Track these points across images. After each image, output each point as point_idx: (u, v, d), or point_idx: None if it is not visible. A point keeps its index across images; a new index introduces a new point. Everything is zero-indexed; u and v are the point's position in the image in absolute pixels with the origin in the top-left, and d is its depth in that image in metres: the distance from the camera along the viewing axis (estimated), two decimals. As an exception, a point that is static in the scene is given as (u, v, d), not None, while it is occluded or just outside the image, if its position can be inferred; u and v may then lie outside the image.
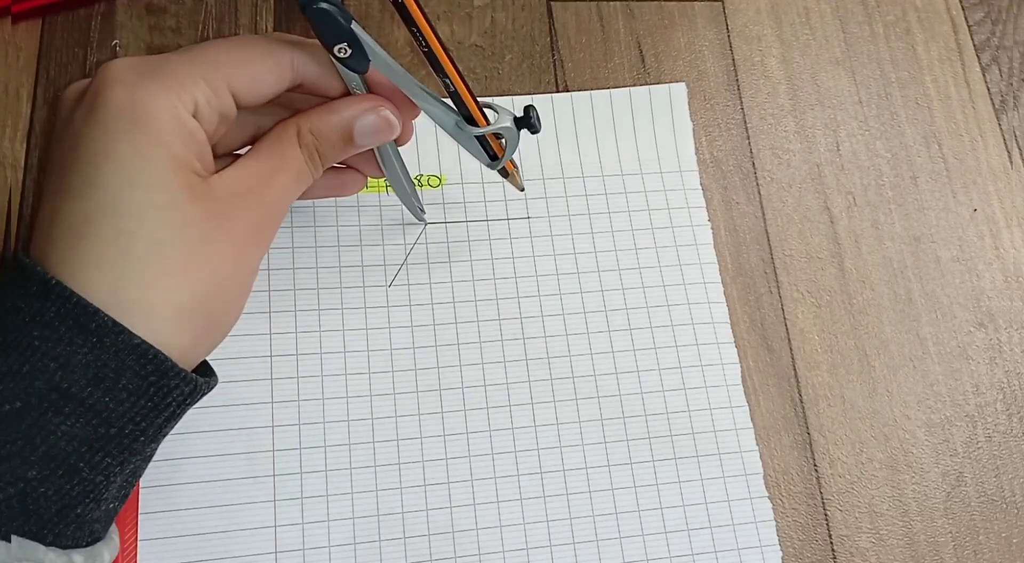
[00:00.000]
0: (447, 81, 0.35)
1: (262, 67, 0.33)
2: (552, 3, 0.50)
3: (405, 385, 0.41)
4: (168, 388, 0.31)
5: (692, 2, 0.52)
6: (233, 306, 0.34)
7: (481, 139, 0.38)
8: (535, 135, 0.40)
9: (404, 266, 0.43)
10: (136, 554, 0.36)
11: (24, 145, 0.44)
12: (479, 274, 0.43)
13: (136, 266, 0.30)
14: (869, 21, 0.53)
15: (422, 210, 0.43)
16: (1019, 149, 0.50)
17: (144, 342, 0.29)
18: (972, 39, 0.53)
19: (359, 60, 0.33)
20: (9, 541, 0.27)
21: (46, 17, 0.46)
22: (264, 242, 0.34)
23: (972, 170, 0.50)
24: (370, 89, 0.35)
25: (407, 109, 0.36)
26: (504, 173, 0.41)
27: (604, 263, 0.44)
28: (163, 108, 0.31)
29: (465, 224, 0.44)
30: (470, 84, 0.36)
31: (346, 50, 0.32)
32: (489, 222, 0.45)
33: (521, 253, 0.44)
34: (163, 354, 0.30)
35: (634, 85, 0.49)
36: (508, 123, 0.37)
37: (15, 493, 0.28)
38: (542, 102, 0.47)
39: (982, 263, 0.48)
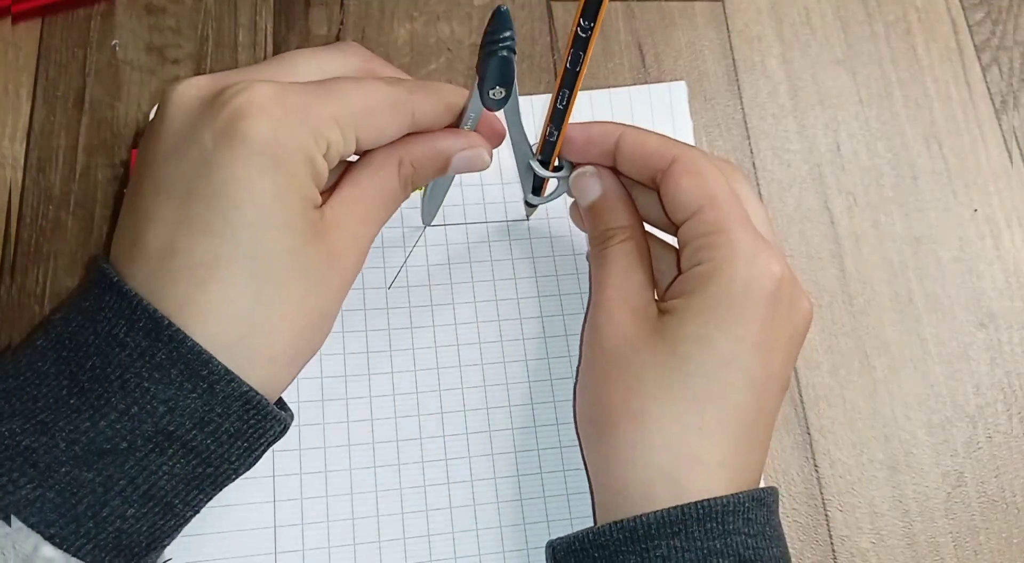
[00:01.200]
0: (555, 131, 0.37)
1: (388, 120, 0.34)
2: (552, 3, 0.50)
3: (405, 386, 0.41)
4: (264, 429, 0.31)
5: (692, 2, 0.52)
6: (326, 335, 0.34)
7: (537, 177, 0.41)
8: None
9: (403, 268, 0.43)
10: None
11: (24, 145, 0.44)
12: (478, 276, 0.43)
13: (263, 312, 0.30)
14: (869, 21, 0.52)
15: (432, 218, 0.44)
16: (1019, 149, 0.50)
17: (251, 389, 0.30)
18: (972, 39, 0.53)
19: (502, 101, 0.34)
20: None
21: (46, 17, 0.46)
22: (358, 272, 0.34)
23: (972, 170, 0.50)
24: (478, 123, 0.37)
25: (494, 142, 0.38)
26: (531, 205, 0.43)
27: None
28: (302, 150, 0.31)
29: (464, 226, 0.44)
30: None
31: (501, 92, 0.34)
32: (488, 224, 0.44)
33: (520, 254, 0.44)
34: (266, 400, 0.30)
35: (634, 85, 0.49)
36: (569, 175, 0.40)
37: (113, 531, 0.28)
38: (541, 102, 0.47)
39: (983, 263, 0.47)
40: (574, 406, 0.41)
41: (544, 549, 0.38)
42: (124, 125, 0.45)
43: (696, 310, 0.34)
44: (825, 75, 0.51)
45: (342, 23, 0.48)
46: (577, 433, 0.40)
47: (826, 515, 0.42)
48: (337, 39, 0.48)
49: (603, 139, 0.38)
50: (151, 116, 0.40)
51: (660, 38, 0.50)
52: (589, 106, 0.48)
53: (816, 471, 0.43)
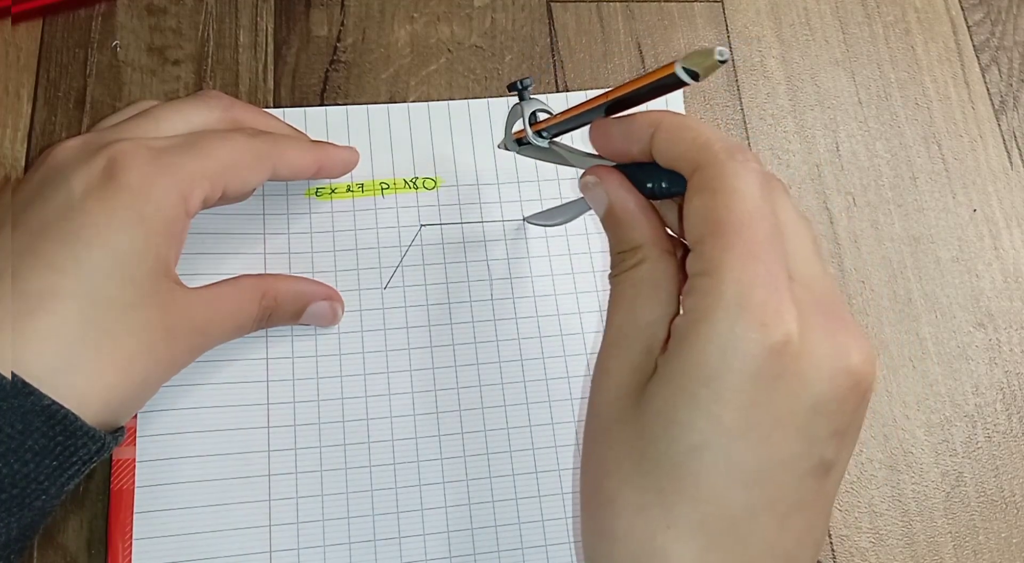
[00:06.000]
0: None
1: (254, 173, 0.36)
2: (552, 3, 0.50)
3: (400, 386, 0.41)
4: (75, 448, 0.30)
5: (692, 2, 0.52)
6: (146, 399, 0.34)
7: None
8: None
9: (399, 268, 0.43)
10: (131, 553, 0.36)
11: (24, 145, 0.44)
12: (474, 275, 0.43)
13: (85, 355, 0.30)
14: (869, 22, 0.52)
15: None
16: (1019, 150, 0.50)
17: (54, 402, 0.29)
18: (972, 40, 0.52)
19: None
20: None
21: (46, 17, 0.46)
22: (193, 360, 0.35)
23: (972, 170, 0.49)
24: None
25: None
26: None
27: (599, 264, 0.44)
28: (171, 208, 0.32)
29: (460, 226, 0.44)
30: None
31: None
32: (484, 223, 0.45)
33: (516, 254, 0.44)
34: (72, 414, 0.29)
35: (633, 85, 0.49)
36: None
37: None
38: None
39: (981, 263, 0.47)
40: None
41: (539, 549, 0.38)
42: (125, 126, 0.45)
43: (667, 378, 0.27)
44: (824, 75, 0.51)
45: (342, 24, 0.48)
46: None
47: (824, 515, 0.42)
48: (338, 41, 0.48)
49: (641, 132, 0.30)
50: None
51: (660, 38, 0.50)
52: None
53: (814, 471, 0.43)
